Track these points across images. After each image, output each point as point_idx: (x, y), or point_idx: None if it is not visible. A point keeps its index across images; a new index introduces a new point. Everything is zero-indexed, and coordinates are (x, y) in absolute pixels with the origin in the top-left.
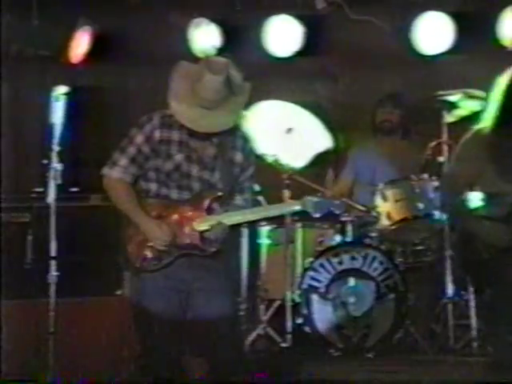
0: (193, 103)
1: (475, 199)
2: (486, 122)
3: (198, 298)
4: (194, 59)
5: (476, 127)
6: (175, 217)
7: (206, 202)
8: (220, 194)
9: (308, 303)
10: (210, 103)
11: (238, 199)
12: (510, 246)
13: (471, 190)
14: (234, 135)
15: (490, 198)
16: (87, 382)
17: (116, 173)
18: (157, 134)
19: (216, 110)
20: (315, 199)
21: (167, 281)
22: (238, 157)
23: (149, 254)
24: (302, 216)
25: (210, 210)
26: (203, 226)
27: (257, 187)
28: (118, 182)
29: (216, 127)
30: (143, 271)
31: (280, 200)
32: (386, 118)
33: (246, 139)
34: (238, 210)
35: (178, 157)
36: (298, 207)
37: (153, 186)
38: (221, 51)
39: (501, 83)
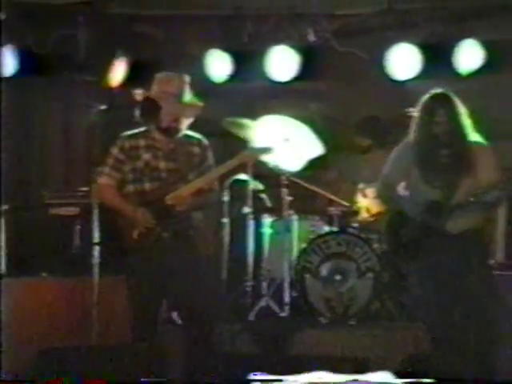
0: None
1: (402, 195)
2: (412, 135)
3: (175, 278)
4: (209, 84)
5: (406, 139)
6: (156, 202)
7: (175, 184)
8: (184, 176)
9: (302, 281)
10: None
11: None
12: (413, 239)
13: (400, 188)
14: (190, 137)
15: (412, 196)
16: (87, 382)
17: (103, 180)
18: (127, 144)
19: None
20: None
21: (153, 263)
22: (196, 150)
23: (141, 233)
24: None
25: (177, 189)
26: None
27: (260, 186)
28: (106, 186)
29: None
30: (141, 249)
31: (279, 197)
32: (361, 145)
33: (200, 140)
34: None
35: (146, 156)
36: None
37: (130, 186)
38: (231, 77)
39: (420, 105)
